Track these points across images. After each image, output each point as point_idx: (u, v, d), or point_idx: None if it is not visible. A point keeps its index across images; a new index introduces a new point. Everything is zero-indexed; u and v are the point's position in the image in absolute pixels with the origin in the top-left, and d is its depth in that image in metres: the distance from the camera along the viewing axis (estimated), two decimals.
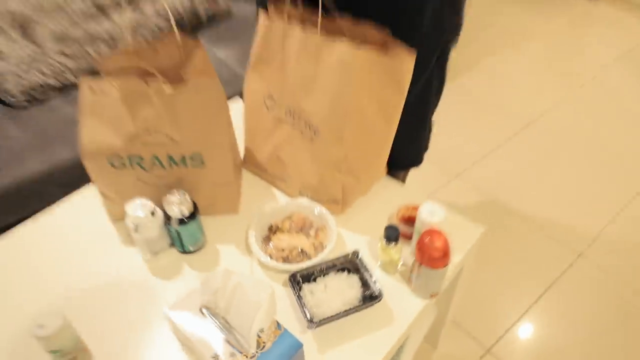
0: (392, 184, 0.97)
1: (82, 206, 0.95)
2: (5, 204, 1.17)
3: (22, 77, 1.31)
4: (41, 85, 1.33)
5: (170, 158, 0.83)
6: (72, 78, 1.37)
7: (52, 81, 1.34)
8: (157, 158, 0.83)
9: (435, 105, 0.96)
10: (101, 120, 0.82)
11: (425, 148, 1.04)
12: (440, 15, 0.76)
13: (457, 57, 2.42)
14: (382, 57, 0.73)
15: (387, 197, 0.93)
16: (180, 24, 1.56)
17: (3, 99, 1.31)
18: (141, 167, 0.84)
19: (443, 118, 1.92)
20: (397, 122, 0.80)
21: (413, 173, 1.10)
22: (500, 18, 2.65)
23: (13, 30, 1.36)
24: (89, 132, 0.82)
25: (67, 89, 1.38)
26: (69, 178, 1.22)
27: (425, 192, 1.64)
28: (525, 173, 1.74)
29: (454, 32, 0.84)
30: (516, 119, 1.96)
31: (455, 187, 1.68)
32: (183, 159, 0.83)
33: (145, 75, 0.79)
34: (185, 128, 0.80)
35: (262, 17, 0.81)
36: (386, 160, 0.90)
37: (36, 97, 1.33)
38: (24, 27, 1.36)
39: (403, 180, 1.08)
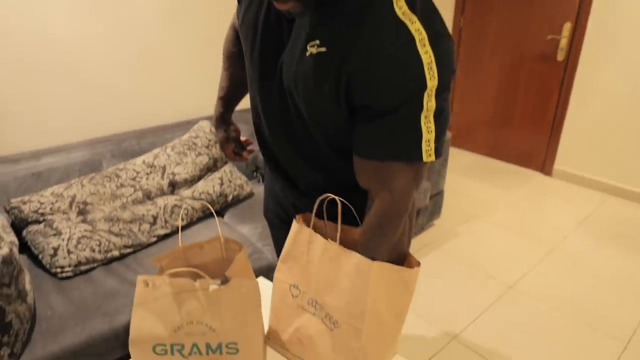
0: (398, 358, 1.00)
1: None
2: None
3: (72, 252, 1.42)
4: (88, 259, 1.43)
5: (208, 346, 0.88)
6: (116, 253, 1.48)
7: (98, 255, 1.44)
8: (196, 346, 0.88)
9: None
10: (151, 311, 0.89)
11: None
12: None
13: (439, 225, 2.62)
14: (393, 266, 0.84)
15: None
16: (210, 204, 1.74)
17: (53, 270, 1.39)
18: (181, 354, 0.88)
19: (436, 282, 2.02)
20: (405, 317, 0.89)
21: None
22: (471, 191, 2.95)
23: (71, 212, 1.51)
24: (139, 321, 0.88)
25: (109, 262, 1.47)
26: (104, 349, 1.23)
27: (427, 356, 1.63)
28: (516, 333, 1.76)
29: None
30: (499, 282, 2.05)
31: (454, 348, 1.68)
32: (219, 347, 0.88)
33: (193, 272, 0.90)
34: (224, 320, 0.87)
35: (294, 222, 0.95)
36: (396, 349, 0.95)
37: (82, 269, 1.42)
38: (82, 211, 1.51)
39: None
